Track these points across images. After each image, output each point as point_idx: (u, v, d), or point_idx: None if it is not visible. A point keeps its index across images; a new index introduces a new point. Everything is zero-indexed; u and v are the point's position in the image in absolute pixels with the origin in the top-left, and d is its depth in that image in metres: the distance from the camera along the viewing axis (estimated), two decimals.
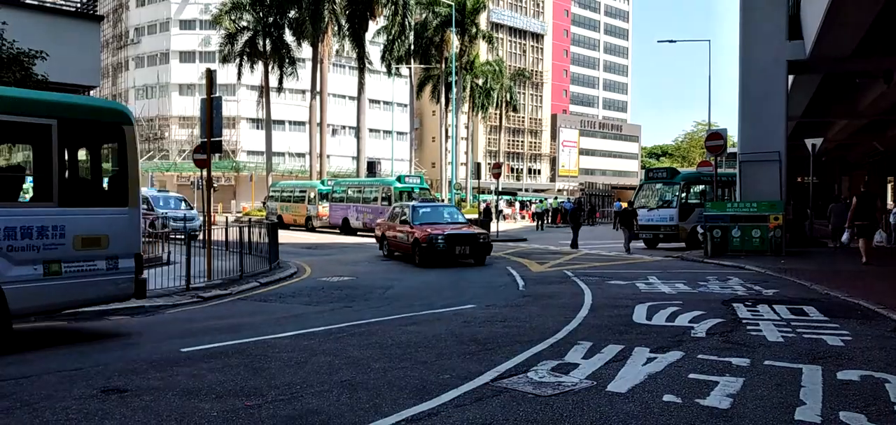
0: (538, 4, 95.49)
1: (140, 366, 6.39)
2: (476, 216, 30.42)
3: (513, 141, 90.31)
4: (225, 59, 47.43)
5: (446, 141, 56.06)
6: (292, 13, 45.79)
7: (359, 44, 44.94)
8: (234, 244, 15.64)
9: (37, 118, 7.40)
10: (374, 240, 21.91)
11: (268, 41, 46.73)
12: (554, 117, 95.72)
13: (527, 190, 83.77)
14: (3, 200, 7.43)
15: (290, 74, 47.72)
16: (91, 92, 17.90)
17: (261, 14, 46.30)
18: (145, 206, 25.90)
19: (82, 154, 8.60)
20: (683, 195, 22.45)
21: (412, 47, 51.87)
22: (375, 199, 30.78)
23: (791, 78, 21.82)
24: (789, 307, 9.57)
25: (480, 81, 60.82)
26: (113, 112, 8.39)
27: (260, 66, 48.17)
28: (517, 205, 58.17)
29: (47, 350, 7.39)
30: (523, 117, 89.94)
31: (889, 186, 44.59)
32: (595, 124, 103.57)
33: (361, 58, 45.27)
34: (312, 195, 35.80)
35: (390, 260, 18.75)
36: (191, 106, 60.81)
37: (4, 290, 6.99)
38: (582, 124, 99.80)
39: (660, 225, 22.47)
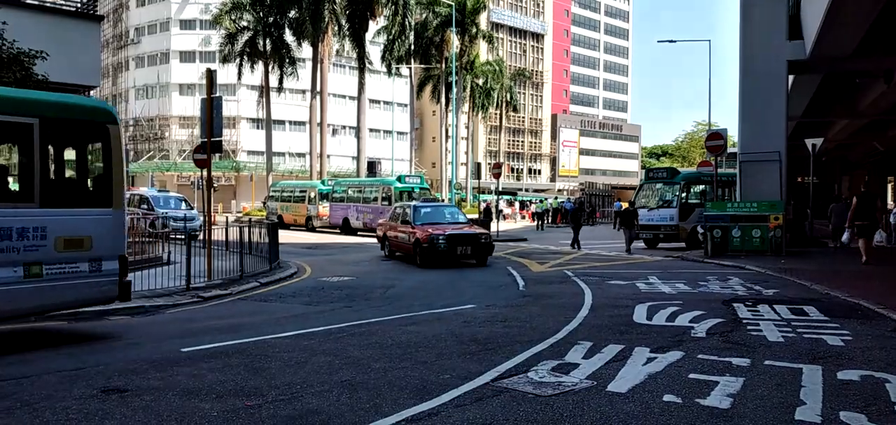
0: (538, 4, 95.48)
1: (140, 366, 6.39)
2: (476, 216, 30.42)
3: (513, 141, 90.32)
4: (225, 59, 47.44)
5: (446, 141, 56.06)
6: (292, 13, 45.80)
7: (359, 44, 44.95)
8: (235, 244, 15.64)
9: (18, 117, 7.25)
10: (374, 240, 21.93)
11: (268, 41, 46.73)
12: (554, 117, 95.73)
13: (527, 190, 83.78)
14: None
15: (291, 74, 47.74)
16: (91, 92, 17.89)
17: (261, 14, 46.31)
18: (145, 206, 25.94)
19: (65, 154, 8.40)
20: (684, 195, 22.45)
21: (412, 47, 51.88)
22: (376, 199, 30.80)
23: (791, 78, 21.83)
24: (789, 307, 9.57)
25: (481, 81, 60.82)
26: (97, 111, 8.20)
27: (260, 66, 48.18)
28: (517, 205, 58.20)
29: (48, 350, 7.39)
30: (523, 117, 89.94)
31: (889, 186, 44.63)
32: (595, 124, 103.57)
33: (361, 58, 45.28)
34: (313, 195, 35.82)
35: (391, 260, 18.74)
36: (191, 106, 60.80)
37: None
38: (582, 124, 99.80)
39: (660, 225, 22.47)
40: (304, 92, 58.46)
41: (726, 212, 18.75)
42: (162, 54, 67.17)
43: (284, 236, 21.99)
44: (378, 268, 16.96)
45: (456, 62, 49.14)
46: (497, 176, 29.85)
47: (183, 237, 14.38)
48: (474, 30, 53.93)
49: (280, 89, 48.87)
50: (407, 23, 47.41)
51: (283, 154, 65.02)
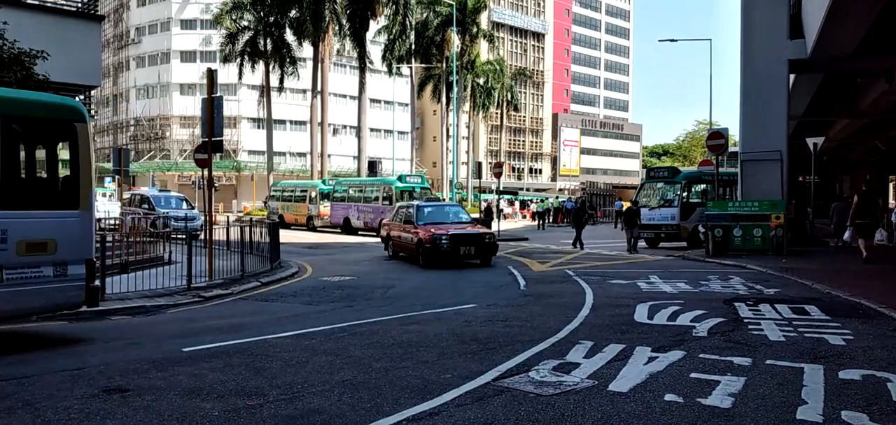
0: (539, 4, 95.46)
1: (141, 366, 6.39)
2: (477, 215, 30.44)
3: (514, 140, 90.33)
4: (226, 59, 47.47)
5: (447, 140, 56.04)
6: (293, 13, 45.82)
7: (360, 43, 44.94)
8: (236, 244, 15.66)
9: None
10: (375, 240, 21.93)
11: (269, 41, 46.75)
12: (555, 116, 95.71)
13: (528, 189, 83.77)
14: None
15: (291, 74, 47.76)
16: (92, 92, 17.89)
17: (262, 14, 46.33)
18: (146, 206, 25.99)
19: (29, 153, 8.11)
20: (685, 194, 22.43)
21: (413, 47, 51.85)
22: (376, 199, 30.82)
23: (792, 77, 21.81)
24: (791, 306, 9.56)
25: (481, 81, 60.81)
26: (64, 108, 7.86)
27: (261, 66, 48.20)
28: (518, 204, 58.20)
29: (48, 350, 7.39)
30: (524, 116, 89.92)
31: (891, 185, 44.57)
32: (596, 123, 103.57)
33: (362, 57, 45.27)
34: (314, 195, 35.85)
35: (394, 260, 18.72)
36: (192, 105, 60.85)
37: None
38: (583, 123, 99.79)
39: (661, 224, 22.45)
40: (304, 91, 58.49)
41: (727, 211, 18.74)
42: (163, 54, 67.22)
43: (285, 236, 21.99)
44: (379, 267, 16.95)
45: (457, 61, 49.12)
46: (498, 175, 29.84)
47: (184, 237, 14.40)
48: (475, 29, 53.90)
49: (281, 89, 48.91)
50: (408, 22, 47.41)
51: (284, 153, 65.05)
